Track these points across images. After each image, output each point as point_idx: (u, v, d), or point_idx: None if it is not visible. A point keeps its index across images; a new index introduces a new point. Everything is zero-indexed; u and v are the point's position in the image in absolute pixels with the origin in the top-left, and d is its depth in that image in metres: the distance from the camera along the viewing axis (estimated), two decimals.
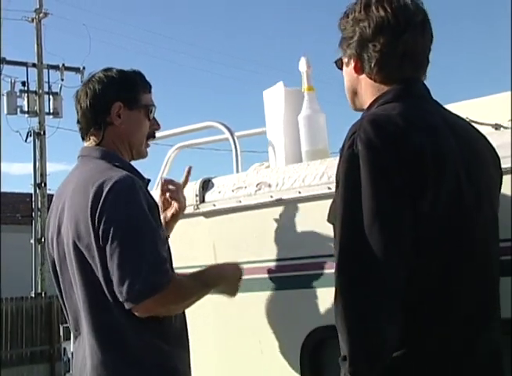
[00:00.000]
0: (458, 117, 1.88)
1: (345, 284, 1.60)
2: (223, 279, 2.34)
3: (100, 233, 2.03)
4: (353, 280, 1.59)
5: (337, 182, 1.68)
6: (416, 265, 1.60)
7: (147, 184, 2.26)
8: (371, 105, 1.82)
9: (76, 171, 2.27)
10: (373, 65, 1.79)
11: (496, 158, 1.86)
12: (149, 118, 2.32)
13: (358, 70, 1.84)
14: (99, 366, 2.07)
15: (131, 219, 2.06)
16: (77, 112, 2.31)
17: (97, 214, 2.04)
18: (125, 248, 2.01)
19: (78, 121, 2.31)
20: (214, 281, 2.28)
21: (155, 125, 2.35)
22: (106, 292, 2.06)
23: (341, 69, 1.96)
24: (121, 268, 2.00)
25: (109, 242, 2.01)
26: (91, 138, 2.28)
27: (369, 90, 1.84)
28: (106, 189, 2.05)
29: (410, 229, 1.60)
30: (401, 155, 1.61)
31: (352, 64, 1.85)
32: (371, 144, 1.61)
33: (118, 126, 2.25)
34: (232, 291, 2.36)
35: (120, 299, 2.02)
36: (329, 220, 1.82)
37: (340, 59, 1.94)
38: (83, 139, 2.32)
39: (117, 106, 2.24)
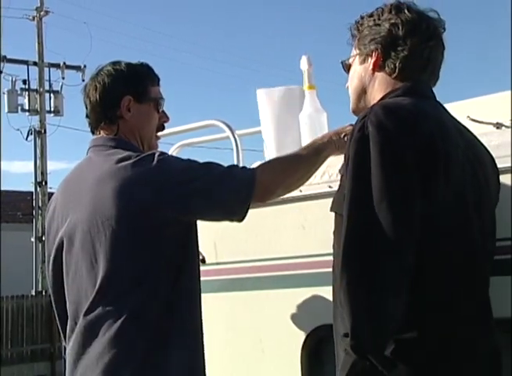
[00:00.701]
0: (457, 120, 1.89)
1: (351, 259, 1.58)
2: (323, 151, 2.22)
3: (165, 198, 2.04)
4: (359, 256, 1.57)
5: (346, 164, 1.67)
6: (416, 264, 1.59)
7: None
8: (381, 100, 1.82)
9: (89, 162, 2.22)
10: (398, 63, 1.82)
11: (493, 161, 1.88)
12: (158, 111, 2.31)
13: (379, 66, 1.85)
14: (98, 357, 2.01)
15: (186, 162, 2.11)
16: (86, 106, 2.29)
17: (145, 189, 2.03)
18: (201, 184, 2.06)
19: (87, 116, 2.30)
20: (313, 156, 2.20)
21: (164, 118, 2.35)
22: (116, 281, 2.04)
23: (348, 69, 1.97)
24: (216, 197, 2.07)
25: (186, 194, 2.05)
26: (102, 132, 2.26)
27: (382, 86, 1.85)
28: (146, 162, 2.06)
29: (418, 212, 1.58)
30: (412, 141, 1.60)
31: (371, 60, 1.86)
32: (382, 126, 1.61)
33: (128, 120, 2.24)
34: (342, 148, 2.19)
35: (236, 218, 2.11)
36: (332, 209, 1.82)
37: (348, 63, 1.96)
38: (93, 133, 2.30)
39: (127, 99, 2.23)
